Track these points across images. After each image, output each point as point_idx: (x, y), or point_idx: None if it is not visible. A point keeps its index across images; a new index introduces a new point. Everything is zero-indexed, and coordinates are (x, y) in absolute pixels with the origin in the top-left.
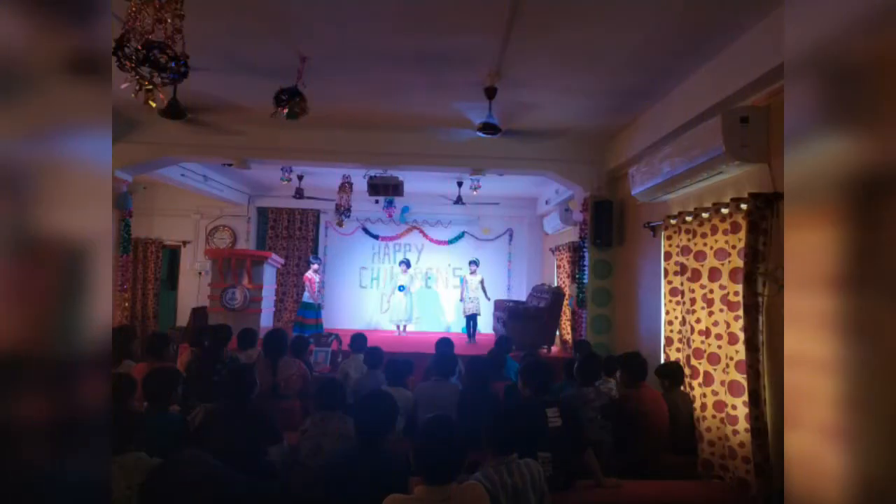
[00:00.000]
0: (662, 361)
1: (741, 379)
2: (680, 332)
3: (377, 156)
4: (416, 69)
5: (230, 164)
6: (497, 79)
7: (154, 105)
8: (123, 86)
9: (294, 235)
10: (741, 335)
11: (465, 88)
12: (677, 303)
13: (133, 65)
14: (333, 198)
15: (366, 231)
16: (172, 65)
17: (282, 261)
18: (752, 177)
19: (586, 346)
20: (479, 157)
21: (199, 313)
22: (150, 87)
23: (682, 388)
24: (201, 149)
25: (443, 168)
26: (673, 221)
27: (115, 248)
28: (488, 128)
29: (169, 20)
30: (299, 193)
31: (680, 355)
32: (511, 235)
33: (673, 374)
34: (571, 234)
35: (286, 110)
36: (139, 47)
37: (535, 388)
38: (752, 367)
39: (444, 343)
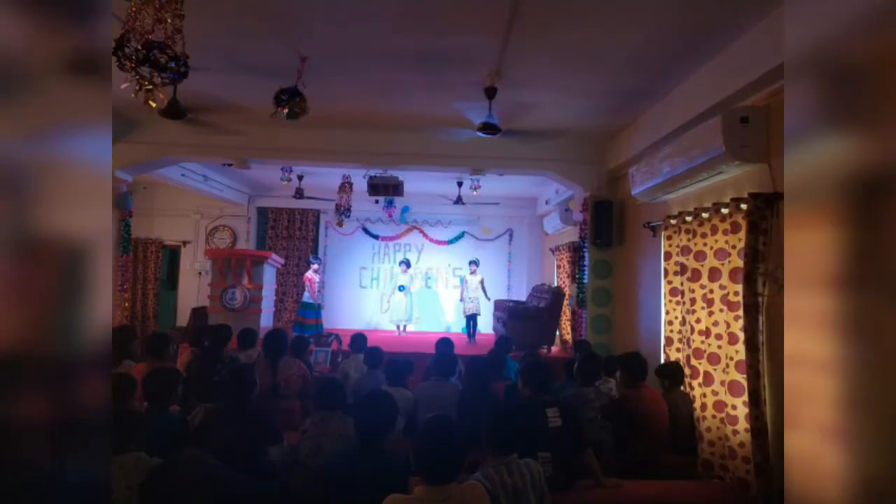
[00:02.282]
0: (662, 361)
1: (741, 379)
2: (680, 332)
3: (377, 156)
4: (416, 69)
5: (230, 164)
6: (497, 79)
7: (154, 105)
8: (123, 86)
9: (294, 235)
10: (741, 335)
11: (465, 88)
12: (677, 303)
13: (133, 65)
14: (333, 198)
15: (366, 231)
16: (172, 65)
17: (282, 261)
18: (752, 177)
19: (586, 346)
20: (479, 157)
21: (199, 313)
22: (150, 87)
23: (682, 388)
24: (201, 149)
25: (443, 168)
26: (673, 221)
27: (115, 248)
28: (488, 128)
29: (169, 20)
30: (299, 193)
31: (680, 355)
32: (511, 235)
33: (673, 374)
34: (571, 234)
35: (286, 110)
36: (139, 47)
37: (535, 388)
38: (752, 367)
39: (444, 343)
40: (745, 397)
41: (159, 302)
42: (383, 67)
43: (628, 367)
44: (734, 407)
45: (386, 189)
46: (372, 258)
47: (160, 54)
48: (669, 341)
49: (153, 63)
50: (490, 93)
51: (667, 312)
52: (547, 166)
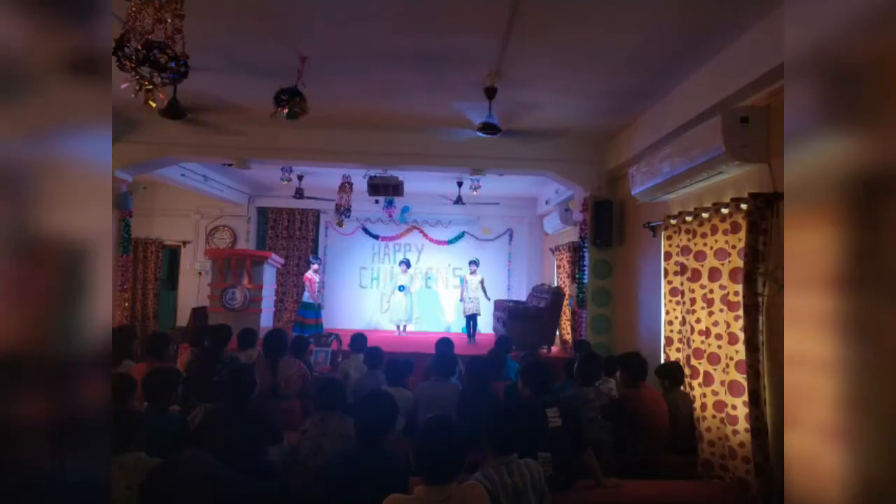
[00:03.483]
0: (662, 361)
1: (741, 379)
2: (680, 332)
3: (377, 156)
4: (416, 69)
5: (230, 164)
6: (497, 79)
7: (154, 105)
8: (123, 86)
9: (294, 235)
10: (741, 335)
11: (465, 88)
12: (677, 303)
13: (133, 65)
14: (333, 198)
15: (366, 231)
16: (172, 65)
17: (282, 261)
18: (752, 177)
19: (586, 346)
20: (479, 157)
21: (199, 313)
22: (150, 87)
23: (682, 388)
24: (201, 149)
25: (443, 168)
26: (673, 221)
27: (115, 248)
28: (488, 128)
29: (169, 20)
30: (299, 193)
31: (680, 355)
32: (511, 235)
33: (673, 374)
34: (571, 234)
35: (286, 110)
36: (139, 47)
37: (535, 388)
38: (752, 367)
39: (444, 343)
40: (745, 397)
41: (159, 302)
42: (383, 67)
43: (628, 367)
44: (734, 407)
45: (386, 189)
46: (372, 258)
47: (160, 54)
48: (669, 341)
49: (153, 63)
50: (490, 93)
51: (667, 312)
52: (547, 166)
